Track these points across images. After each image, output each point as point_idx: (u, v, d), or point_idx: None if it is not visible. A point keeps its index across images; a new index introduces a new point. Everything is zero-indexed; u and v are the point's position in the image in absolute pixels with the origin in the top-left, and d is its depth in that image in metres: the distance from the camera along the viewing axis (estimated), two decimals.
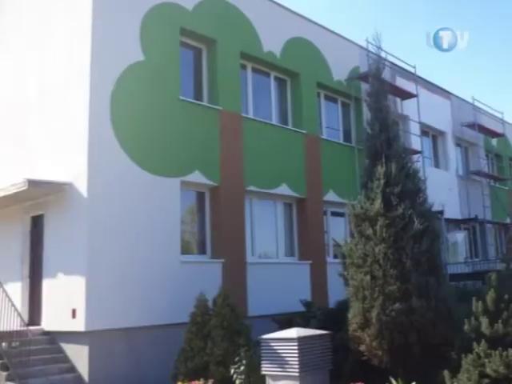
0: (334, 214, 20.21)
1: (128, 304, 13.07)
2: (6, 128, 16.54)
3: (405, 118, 24.03)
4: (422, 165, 22.39)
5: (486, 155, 31.58)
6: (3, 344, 12.47)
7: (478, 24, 75.63)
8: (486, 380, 9.30)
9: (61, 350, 13.15)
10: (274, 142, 17.67)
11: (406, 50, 76.79)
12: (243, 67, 17.65)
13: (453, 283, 16.36)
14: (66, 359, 12.95)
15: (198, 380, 11.36)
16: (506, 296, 9.90)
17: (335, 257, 18.52)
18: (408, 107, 23.90)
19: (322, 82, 20.13)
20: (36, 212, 14.74)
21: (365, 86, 19.13)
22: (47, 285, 13.90)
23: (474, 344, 9.60)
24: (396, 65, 23.79)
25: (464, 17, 75.10)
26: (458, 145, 29.33)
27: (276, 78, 19.04)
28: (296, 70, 19.04)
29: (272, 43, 18.11)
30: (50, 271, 13.80)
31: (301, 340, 10.80)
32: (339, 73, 20.78)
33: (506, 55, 78.77)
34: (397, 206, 11.18)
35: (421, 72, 25.40)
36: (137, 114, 14.05)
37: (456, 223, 27.58)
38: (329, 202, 19.49)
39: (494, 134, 31.32)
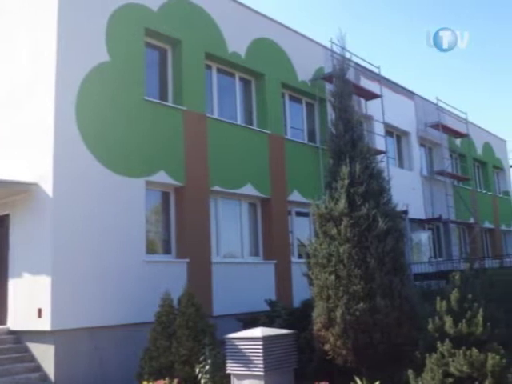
0: (298, 213, 20.46)
1: (93, 303, 13.24)
2: None
3: (369, 119, 24.42)
4: (386, 165, 22.84)
5: (450, 155, 32.09)
6: None
7: (446, 24, 76.93)
8: (450, 379, 9.45)
9: (27, 350, 13.28)
10: (239, 143, 17.97)
11: (370, 51, 77.83)
12: (208, 68, 17.89)
13: (417, 283, 16.92)
14: (32, 358, 13.06)
15: (163, 379, 11.52)
16: (470, 295, 10.04)
17: (300, 256, 19.10)
18: (372, 107, 24.28)
19: (287, 82, 20.44)
20: (1, 212, 14.81)
21: (329, 87, 19.61)
22: (13, 284, 14.02)
23: (438, 343, 9.74)
24: (360, 65, 24.22)
25: (431, 16, 76.32)
26: (421, 145, 29.79)
27: (241, 79, 19.30)
28: (261, 70, 19.32)
29: (237, 44, 18.40)
30: (16, 271, 13.94)
31: (265, 339, 10.98)
32: (304, 73, 21.12)
33: (472, 55, 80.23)
34: (361, 205, 11.38)
35: (385, 72, 25.97)
36: (102, 114, 14.23)
37: (420, 223, 28.06)
38: (293, 202, 19.79)
39: (458, 135, 31.90)
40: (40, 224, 13.41)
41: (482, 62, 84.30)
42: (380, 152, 22.58)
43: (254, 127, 19.11)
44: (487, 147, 36.35)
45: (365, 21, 73.40)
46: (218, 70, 18.49)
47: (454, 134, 31.58)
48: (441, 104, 30.70)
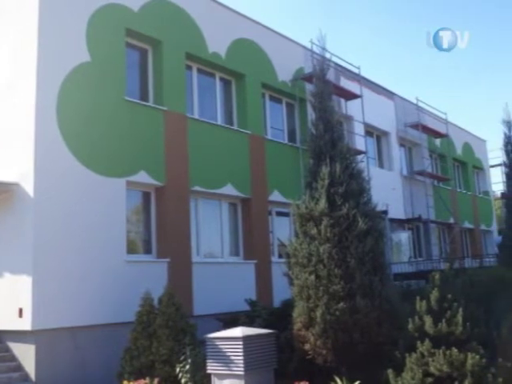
0: (278, 213, 20.62)
1: (74, 303, 13.33)
2: None
3: (349, 119, 24.60)
4: (366, 165, 23.05)
5: (430, 155, 32.34)
6: None
7: (427, 23, 77.54)
8: (430, 379, 9.55)
9: (8, 349, 13.35)
10: (219, 143, 18.08)
11: (351, 52, 78.35)
12: (188, 68, 18.02)
13: (397, 283, 16.71)
14: (13, 358, 13.14)
15: (144, 379, 11.60)
16: (450, 295, 10.14)
17: (280, 256, 19.10)
18: (352, 108, 24.48)
19: (267, 82, 20.62)
20: None
21: (309, 87, 19.56)
22: None
23: (418, 343, 9.85)
24: (340, 65, 24.37)
25: (411, 16, 76.95)
26: (401, 145, 30.05)
27: (221, 79, 19.45)
28: (241, 70, 19.49)
29: (217, 44, 18.54)
30: None
31: (246, 339, 11.07)
32: (284, 74, 21.31)
33: (452, 56, 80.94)
34: (341, 205, 11.50)
35: (365, 73, 26.20)
36: (83, 114, 14.33)
37: (400, 223, 28.22)
38: (273, 202, 19.94)
39: (438, 135, 32.14)
40: (21, 224, 13.49)
41: (462, 62, 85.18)
42: (360, 152, 22.78)
43: (235, 127, 19.26)
44: (467, 147, 36.67)
45: (345, 21, 74.00)
46: (199, 71, 18.63)
47: (433, 134, 31.83)
48: (420, 104, 30.92)
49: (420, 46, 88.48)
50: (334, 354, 11.01)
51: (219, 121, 18.94)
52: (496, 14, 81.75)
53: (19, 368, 12.98)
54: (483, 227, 36.91)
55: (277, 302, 15.93)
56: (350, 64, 25.04)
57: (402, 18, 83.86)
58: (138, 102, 16.12)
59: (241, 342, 11.01)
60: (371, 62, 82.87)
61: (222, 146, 18.17)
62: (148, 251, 16.03)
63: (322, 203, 11.55)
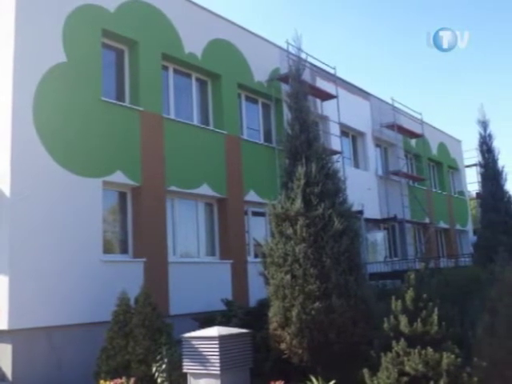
0: (254, 213, 20.76)
1: (50, 303, 13.35)
2: None
3: (325, 119, 24.87)
4: (342, 165, 23.30)
5: (405, 155, 32.67)
6: None
7: (406, 27, 78.21)
8: (405, 378, 9.63)
9: None
10: (195, 143, 18.24)
11: (327, 52, 78.84)
12: (165, 68, 18.14)
13: (372, 282, 16.93)
14: None
15: (120, 378, 11.71)
16: (425, 295, 10.25)
17: (256, 256, 19.27)
18: (328, 108, 24.74)
19: (243, 83, 20.81)
20: None
21: (285, 87, 19.80)
22: None
23: (394, 342, 9.92)
24: (316, 66, 24.61)
25: (387, 17, 77.57)
26: (377, 145, 30.35)
27: (197, 79, 19.60)
28: (217, 71, 19.65)
29: (193, 45, 18.70)
30: None
31: (222, 338, 11.18)
32: (260, 74, 21.48)
33: (428, 56, 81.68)
34: (317, 205, 11.62)
35: (341, 73, 26.50)
36: (59, 114, 14.42)
37: (375, 223, 28.57)
38: (249, 202, 20.13)
39: (413, 135, 32.53)
40: None
41: (437, 63, 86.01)
42: (336, 152, 22.99)
43: (211, 127, 19.40)
44: (442, 147, 37.15)
45: (321, 21, 74.49)
46: (175, 71, 18.78)
47: (409, 134, 32.18)
48: (396, 104, 31.28)
49: (396, 47, 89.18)
50: (310, 354, 11.13)
51: (195, 121, 19.09)
52: (471, 15, 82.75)
53: None
54: (458, 227, 37.36)
55: (253, 301, 16.11)
56: (325, 64, 25.29)
57: (378, 17, 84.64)
58: (115, 102, 16.21)
59: (217, 342, 11.14)
60: (347, 63, 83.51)
61: (198, 146, 18.31)
62: (124, 251, 16.11)
63: (298, 203, 11.68)
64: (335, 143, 24.58)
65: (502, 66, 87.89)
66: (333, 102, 24.77)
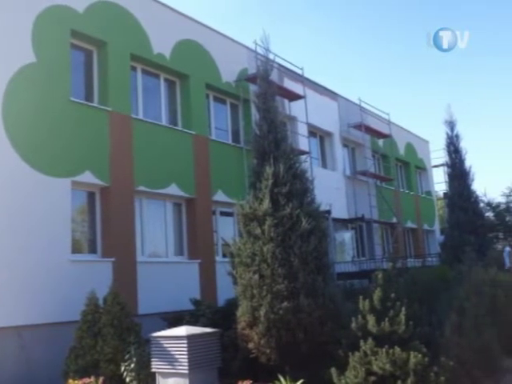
0: (222, 213, 21.07)
1: (19, 302, 13.53)
2: None
3: (293, 119, 25.20)
4: (310, 165, 23.63)
5: (373, 156, 33.13)
6: None
7: (373, 27, 79.02)
8: (373, 377, 9.79)
9: None
10: (164, 143, 18.51)
11: (295, 53, 79.39)
12: (133, 69, 18.43)
13: (340, 282, 17.37)
14: None
15: (89, 377, 11.84)
16: (393, 295, 10.42)
17: (224, 256, 19.50)
18: (296, 108, 25.06)
19: (211, 83, 21.11)
20: None
21: (253, 88, 20.04)
22: None
23: (361, 342, 10.09)
24: (284, 66, 24.90)
25: (356, 17, 78.29)
26: (345, 145, 30.71)
27: (165, 80, 19.89)
28: (185, 71, 19.97)
29: (162, 45, 18.99)
30: None
31: (190, 338, 11.34)
32: (228, 74, 21.78)
33: (395, 56, 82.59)
34: (285, 205, 11.78)
35: (308, 74, 26.74)
36: (28, 114, 14.63)
37: (343, 223, 28.95)
38: (218, 202, 20.40)
39: (381, 135, 32.97)
40: None
41: (404, 63, 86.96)
42: (303, 152, 23.38)
43: (179, 128, 19.72)
44: (409, 148, 37.69)
45: (288, 22, 74.96)
46: (143, 71, 19.05)
47: (376, 134, 32.62)
48: (363, 105, 31.69)
49: (363, 47, 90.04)
50: (278, 353, 11.28)
51: (164, 121, 19.39)
52: (443, 14, 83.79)
53: None
54: (426, 227, 37.94)
55: (221, 301, 16.35)
56: (293, 65, 25.63)
57: (345, 18, 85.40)
58: (84, 102, 16.44)
59: (185, 341, 11.31)
60: (315, 63, 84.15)
61: (166, 147, 18.56)
62: (93, 251, 16.32)
63: (266, 203, 11.82)
64: (303, 143, 24.92)
65: (470, 66, 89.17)
66: (300, 102, 25.12)
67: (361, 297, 10.72)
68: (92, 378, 11.86)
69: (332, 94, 29.87)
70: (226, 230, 20.86)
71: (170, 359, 11.46)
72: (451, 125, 23.94)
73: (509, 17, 77.65)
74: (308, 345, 11.23)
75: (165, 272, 17.66)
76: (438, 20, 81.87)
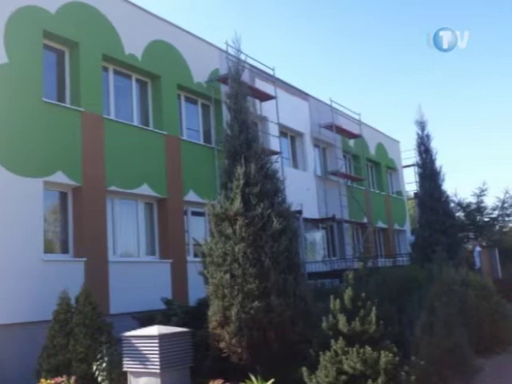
0: (194, 213, 21.32)
1: None
2: None
3: (264, 120, 25.45)
4: (281, 165, 23.77)
5: (344, 156, 33.55)
6: None
7: (342, 28, 79.64)
8: (344, 376, 9.79)
9: None
10: (135, 143, 18.75)
11: (266, 53, 79.81)
12: (105, 69, 18.69)
13: (311, 282, 17.53)
14: None
15: (61, 377, 12.03)
16: (363, 294, 10.42)
17: (196, 256, 19.61)
18: (267, 109, 25.29)
19: (183, 84, 21.42)
20: None
21: (224, 88, 20.16)
22: None
23: (332, 341, 10.11)
24: (255, 67, 25.17)
25: (324, 17, 78.87)
26: (315, 145, 31.04)
27: (137, 80, 20.15)
28: (157, 72, 20.25)
29: (133, 46, 19.26)
30: None
31: (161, 337, 11.45)
32: (199, 75, 22.09)
33: (367, 56, 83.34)
34: (256, 205, 11.89)
35: (279, 74, 27.10)
36: (0, 115, 14.84)
37: (314, 223, 29.22)
38: (189, 202, 20.67)
39: (351, 135, 33.39)
40: None
41: (375, 63, 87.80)
42: (274, 152, 23.70)
43: (151, 128, 19.98)
44: (380, 148, 38.23)
45: (259, 22, 75.40)
46: (115, 72, 19.30)
47: (347, 134, 33.03)
48: (334, 105, 32.05)
49: (333, 47, 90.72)
50: (249, 353, 11.39)
51: (135, 122, 19.62)
52: (422, 14, 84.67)
53: None
54: (396, 227, 38.44)
55: (192, 300, 16.54)
56: (264, 65, 25.87)
57: (315, 18, 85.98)
58: (56, 103, 16.64)
59: (157, 341, 11.43)
60: (286, 64, 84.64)
61: (138, 147, 18.79)
62: (65, 251, 16.49)
63: (237, 203, 11.95)
64: (274, 144, 25.13)
65: (441, 65, 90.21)
66: (272, 102, 25.37)
67: (332, 296, 10.77)
68: (64, 378, 12.05)
69: (303, 95, 30.22)
70: (198, 230, 21.10)
71: (141, 359, 11.59)
72: (422, 125, 24.22)
73: (508, 17, 78.41)
74: (279, 344, 11.38)
75: (136, 272, 17.87)
76: (427, 19, 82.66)
